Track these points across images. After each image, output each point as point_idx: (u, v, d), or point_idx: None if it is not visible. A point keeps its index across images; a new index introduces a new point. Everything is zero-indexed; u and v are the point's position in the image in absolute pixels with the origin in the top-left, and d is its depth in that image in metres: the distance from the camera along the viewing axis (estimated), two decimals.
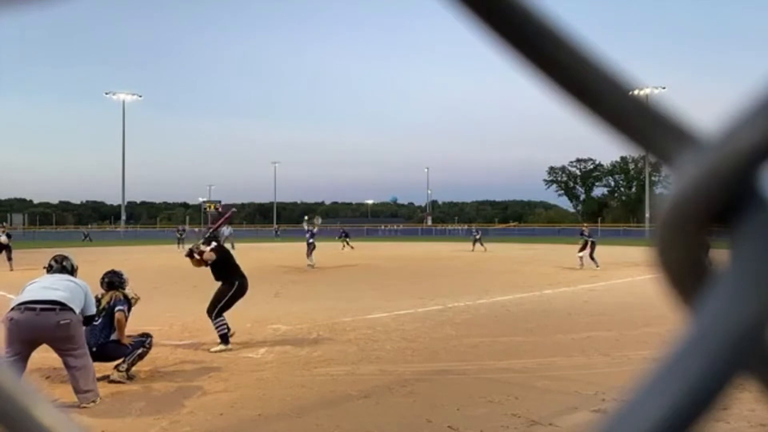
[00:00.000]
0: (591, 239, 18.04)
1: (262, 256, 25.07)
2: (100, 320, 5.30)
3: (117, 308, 5.41)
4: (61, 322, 4.04)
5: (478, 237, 32.14)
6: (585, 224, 20.41)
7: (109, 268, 5.99)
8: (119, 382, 5.11)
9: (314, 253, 18.70)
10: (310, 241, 18.97)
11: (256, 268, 18.52)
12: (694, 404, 0.19)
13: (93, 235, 51.91)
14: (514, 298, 10.83)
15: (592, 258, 17.59)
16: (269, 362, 5.93)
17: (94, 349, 5.15)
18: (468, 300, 10.33)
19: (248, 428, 4.17)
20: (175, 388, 5.04)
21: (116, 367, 5.22)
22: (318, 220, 20.72)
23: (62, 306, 4.07)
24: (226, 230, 32.92)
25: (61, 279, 4.44)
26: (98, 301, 5.45)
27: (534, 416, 4.23)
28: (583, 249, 18.01)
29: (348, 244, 31.47)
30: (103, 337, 5.27)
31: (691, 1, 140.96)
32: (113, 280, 5.69)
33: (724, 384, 0.19)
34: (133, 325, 7.58)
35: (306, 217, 21.86)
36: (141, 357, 5.38)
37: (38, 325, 4.00)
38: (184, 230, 35.10)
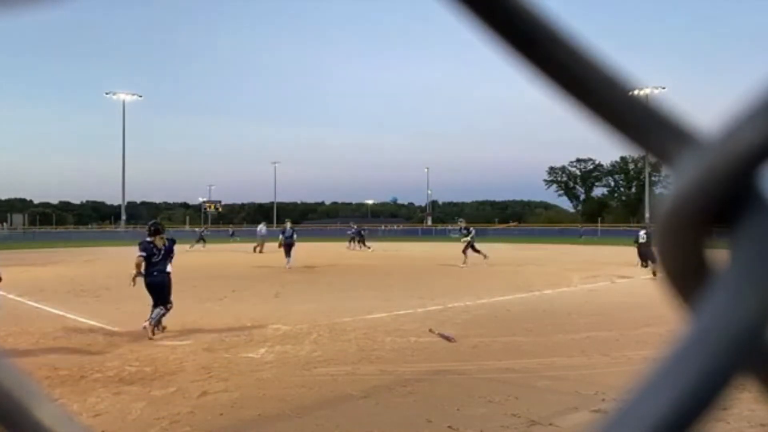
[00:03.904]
0: (471, 235, 18.95)
1: (262, 255, 25.06)
2: (161, 256, 7.61)
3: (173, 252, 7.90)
4: None
5: (352, 233, 30.97)
6: (463, 221, 20.72)
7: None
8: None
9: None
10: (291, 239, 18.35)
11: (257, 267, 18.54)
12: (694, 404, 0.19)
13: (92, 235, 51.79)
14: (514, 298, 10.83)
15: (476, 251, 18.62)
16: (269, 362, 5.93)
17: (161, 271, 7.62)
18: (468, 300, 10.34)
19: (248, 428, 4.17)
20: (175, 388, 5.04)
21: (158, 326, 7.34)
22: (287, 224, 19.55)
23: None
24: (263, 229, 32.41)
25: None
26: (153, 244, 7.62)
27: (534, 416, 4.23)
28: (467, 247, 18.84)
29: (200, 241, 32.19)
30: (162, 266, 7.62)
31: (691, 1, 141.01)
32: (158, 227, 7.87)
33: (724, 384, 0.19)
34: (133, 324, 7.62)
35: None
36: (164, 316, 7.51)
37: None
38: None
